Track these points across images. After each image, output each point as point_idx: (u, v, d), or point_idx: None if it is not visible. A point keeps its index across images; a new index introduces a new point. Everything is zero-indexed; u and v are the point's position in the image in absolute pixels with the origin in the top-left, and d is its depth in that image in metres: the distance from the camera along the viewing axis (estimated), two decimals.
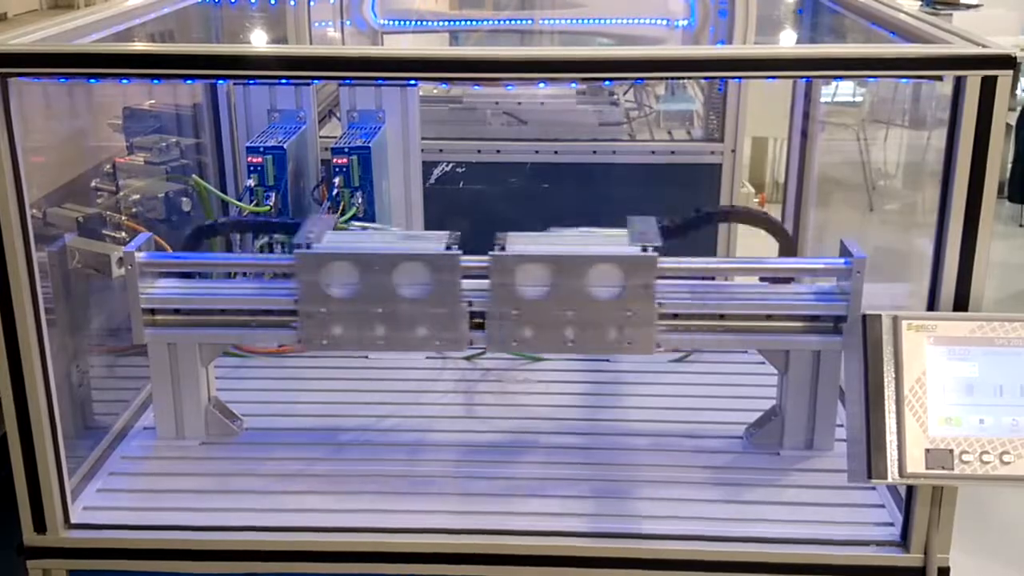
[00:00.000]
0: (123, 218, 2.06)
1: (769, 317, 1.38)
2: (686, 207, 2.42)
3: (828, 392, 1.42)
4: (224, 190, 1.92)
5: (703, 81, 2.54)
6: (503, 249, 1.32)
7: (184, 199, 2.02)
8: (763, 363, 1.54)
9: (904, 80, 1.04)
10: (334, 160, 1.75)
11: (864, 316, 0.99)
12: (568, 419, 1.53)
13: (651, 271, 1.30)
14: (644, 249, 1.32)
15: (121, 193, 2.06)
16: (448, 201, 2.08)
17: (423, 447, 1.45)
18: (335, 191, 1.74)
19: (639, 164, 2.39)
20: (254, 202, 1.75)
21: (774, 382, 1.47)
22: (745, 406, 1.53)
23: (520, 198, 2.30)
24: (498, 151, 2.32)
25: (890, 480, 1.00)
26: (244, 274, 1.64)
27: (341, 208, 1.75)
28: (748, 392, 1.57)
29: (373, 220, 1.78)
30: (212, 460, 1.43)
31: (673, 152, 2.39)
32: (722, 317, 1.37)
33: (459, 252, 1.33)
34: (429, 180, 2.17)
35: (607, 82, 2.27)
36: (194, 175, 1.80)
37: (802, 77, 1.72)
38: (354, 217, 1.76)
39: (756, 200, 3.30)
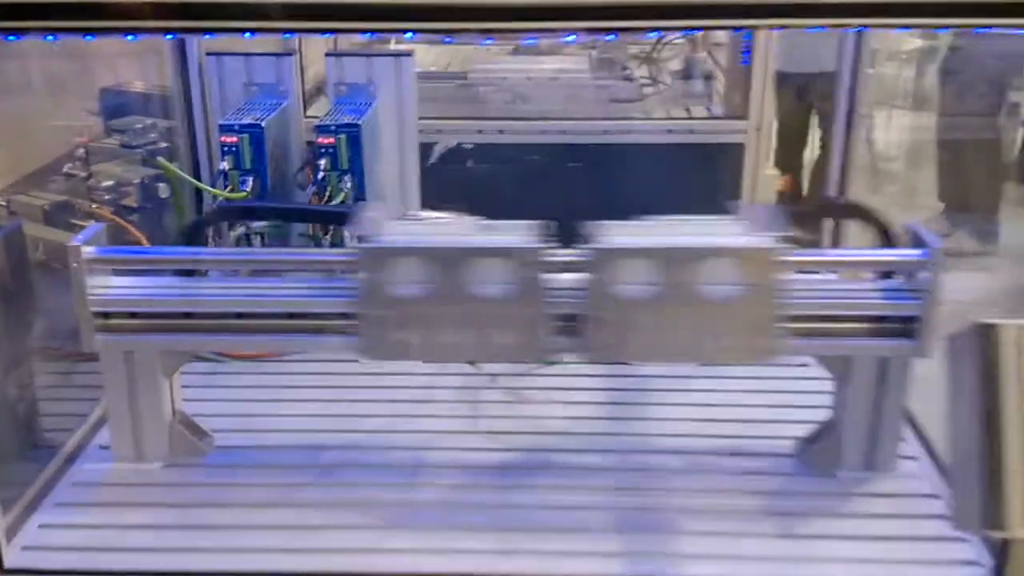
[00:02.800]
0: (94, 206, 1.86)
1: (829, 318, 1.19)
2: (706, 190, 2.25)
3: (893, 404, 1.22)
4: (198, 175, 1.71)
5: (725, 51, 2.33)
6: (590, 241, 1.13)
7: (161, 185, 1.81)
8: (805, 366, 1.37)
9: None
10: (319, 140, 1.54)
11: (982, 326, 0.79)
12: (590, 434, 1.32)
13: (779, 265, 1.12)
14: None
15: (92, 179, 1.86)
16: (449, 186, 1.87)
17: (423, 469, 1.25)
18: (320, 174, 1.53)
19: (655, 144, 2.18)
20: (228, 187, 1.54)
21: (823, 389, 1.28)
22: (791, 417, 1.33)
23: (527, 183, 2.09)
24: (501, 131, 2.11)
25: (1014, 533, 0.80)
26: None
27: (328, 194, 1.55)
28: (794, 400, 1.37)
29: None
30: (176, 487, 1.22)
31: (692, 131, 2.18)
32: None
33: (553, 245, 1.14)
34: (428, 161, 1.97)
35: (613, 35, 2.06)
36: (159, 157, 1.59)
37: (858, 27, 1.52)
38: (343, 203, 1.56)
39: (779, 183, 3.09)
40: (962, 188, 3.66)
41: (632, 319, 1.13)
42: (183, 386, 1.29)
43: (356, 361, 1.44)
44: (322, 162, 1.53)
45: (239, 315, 1.18)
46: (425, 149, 1.78)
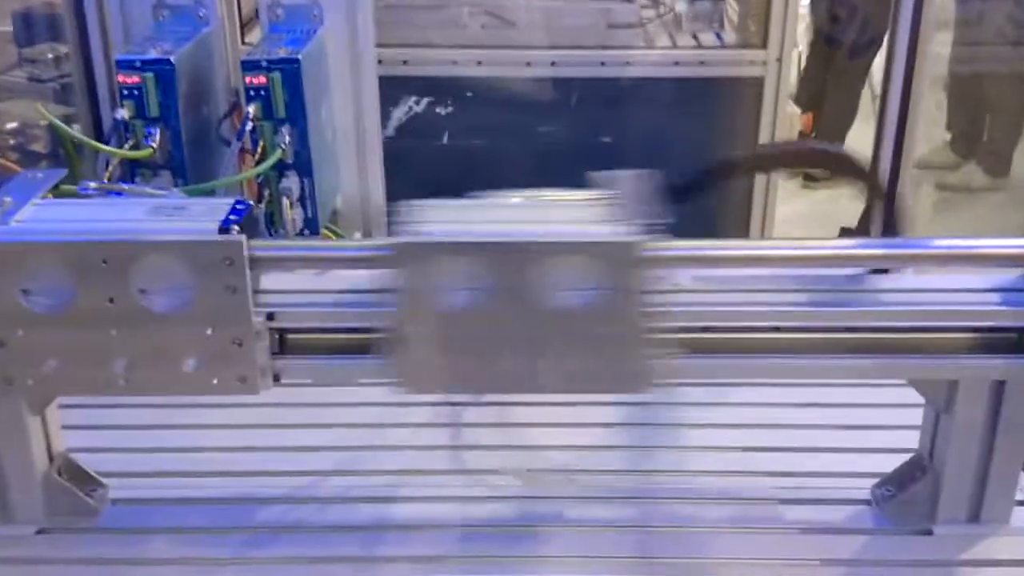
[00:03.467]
0: None
1: (922, 329, 0.89)
2: (718, 133, 1.93)
3: (1010, 439, 0.93)
4: (98, 124, 1.36)
5: None
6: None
7: (77, 125, 1.47)
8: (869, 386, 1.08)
9: None
10: (246, 79, 1.20)
11: None
12: (603, 474, 1.01)
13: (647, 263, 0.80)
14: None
15: None
16: (415, 133, 1.55)
17: (385, 530, 0.94)
18: (249, 124, 1.19)
19: (659, 79, 1.85)
20: (129, 143, 1.20)
21: (904, 418, 0.98)
22: (862, 448, 1.03)
23: (511, 126, 1.76)
24: (479, 62, 1.77)
25: None
26: None
27: (260, 150, 1.21)
28: (875, 431, 1.07)
29: (308, 167, 1.24)
30: (53, 565, 0.91)
31: (702, 62, 1.86)
32: (854, 330, 0.88)
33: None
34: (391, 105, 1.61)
35: None
36: (39, 104, 1.24)
37: None
38: (280, 164, 1.22)
39: (802, 122, 2.78)
40: (974, 119, 3.37)
41: (452, 339, 0.82)
42: (67, 421, 0.96)
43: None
44: (251, 108, 1.19)
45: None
46: (388, 86, 1.43)
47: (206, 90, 1.29)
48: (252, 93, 1.19)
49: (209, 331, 0.83)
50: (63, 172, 0.89)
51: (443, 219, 0.82)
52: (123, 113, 1.18)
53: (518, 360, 0.82)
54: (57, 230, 0.82)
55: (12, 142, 1.67)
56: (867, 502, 0.97)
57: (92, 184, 0.97)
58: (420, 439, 1.06)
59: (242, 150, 1.20)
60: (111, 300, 0.81)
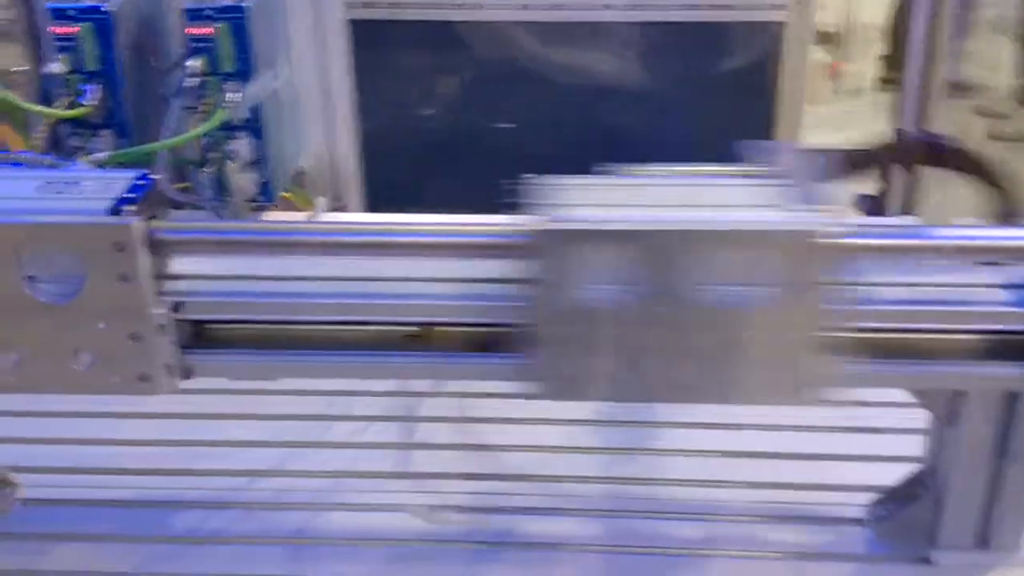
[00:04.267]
0: None
1: (924, 332, 0.77)
2: (735, 84, 1.79)
3: (1020, 456, 0.81)
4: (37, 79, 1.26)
5: None
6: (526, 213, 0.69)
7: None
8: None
9: None
10: (188, 29, 1.09)
11: None
12: (566, 481, 0.91)
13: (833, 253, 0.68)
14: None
15: None
16: (388, 90, 1.42)
17: (314, 543, 0.84)
18: (188, 81, 1.08)
19: (670, 24, 1.71)
20: (65, 100, 1.10)
21: (913, 420, 0.86)
22: (860, 455, 0.92)
23: (499, 83, 1.63)
24: (459, 5, 1.62)
25: None
26: None
27: (204, 107, 1.10)
28: (873, 442, 0.95)
29: (259, 131, 1.13)
30: None
31: (717, 5, 1.71)
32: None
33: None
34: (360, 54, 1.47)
35: None
36: None
37: None
38: (229, 124, 1.11)
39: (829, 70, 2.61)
40: None
41: (600, 340, 0.71)
42: None
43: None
44: (196, 63, 1.08)
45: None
46: (361, 33, 1.31)
47: (153, 42, 1.18)
48: (195, 45, 1.07)
49: (102, 325, 0.73)
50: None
51: (581, 200, 0.71)
52: (57, 67, 1.07)
53: (672, 365, 0.72)
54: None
55: None
56: (860, 522, 0.86)
57: None
58: (367, 436, 0.97)
59: (188, 108, 1.09)
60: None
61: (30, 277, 0.72)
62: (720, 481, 0.90)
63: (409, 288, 0.76)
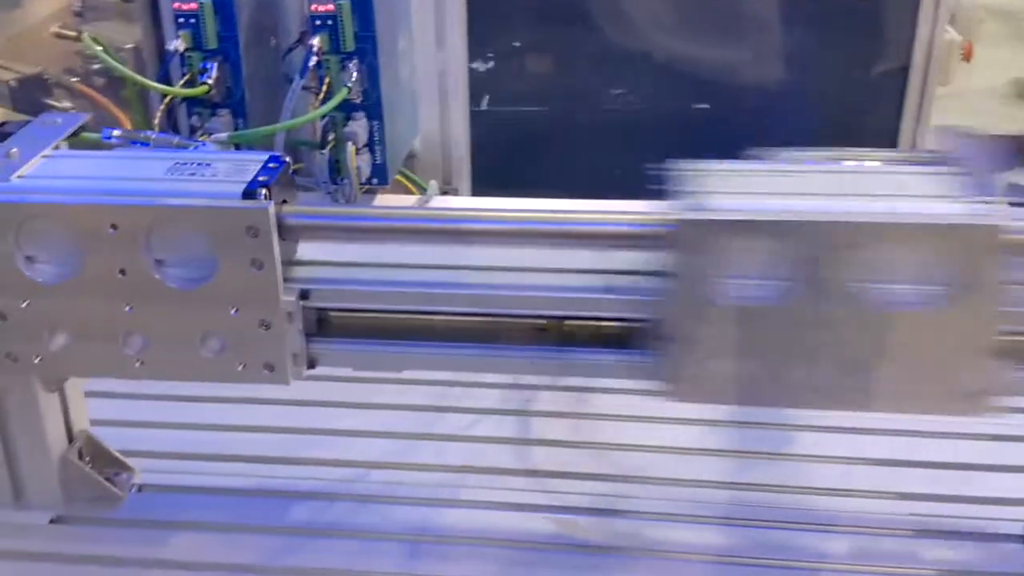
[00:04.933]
0: (75, 81, 1.42)
1: None
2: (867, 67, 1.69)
3: None
4: (164, 57, 1.24)
5: None
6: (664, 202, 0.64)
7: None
8: None
9: None
10: (311, 6, 1.06)
11: None
12: (692, 485, 0.86)
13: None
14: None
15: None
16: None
17: (430, 540, 0.82)
18: (312, 59, 1.06)
19: None
20: (185, 78, 1.08)
21: None
22: (1009, 476, 0.86)
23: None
24: None
25: None
26: None
27: (324, 89, 1.08)
28: (1011, 452, 0.88)
29: (377, 108, 1.10)
30: (61, 563, 0.81)
31: None
32: None
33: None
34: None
35: None
36: (85, 32, 1.13)
37: None
38: (347, 104, 1.08)
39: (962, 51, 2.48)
40: None
41: (741, 340, 0.66)
42: (93, 387, 0.86)
43: None
44: (315, 41, 1.05)
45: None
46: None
47: (273, 19, 1.16)
48: (318, 22, 1.05)
49: (232, 311, 0.70)
50: (84, 117, 0.77)
51: (724, 187, 0.66)
52: (178, 44, 1.06)
53: (824, 369, 0.67)
54: (63, 188, 0.71)
55: (95, 67, 1.54)
56: (1019, 538, 0.80)
57: (116, 132, 0.85)
58: (481, 429, 0.93)
59: (305, 88, 1.06)
60: (122, 271, 0.70)
61: (159, 261, 0.70)
62: (863, 491, 0.84)
63: (537, 279, 0.73)
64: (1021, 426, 0.89)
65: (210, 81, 1.06)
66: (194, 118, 1.09)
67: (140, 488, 0.86)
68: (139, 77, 1.06)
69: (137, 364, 0.73)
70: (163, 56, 1.16)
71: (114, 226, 0.69)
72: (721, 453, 0.90)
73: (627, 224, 0.68)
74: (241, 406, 0.95)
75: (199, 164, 0.72)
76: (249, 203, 0.67)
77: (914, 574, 0.78)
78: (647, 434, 0.91)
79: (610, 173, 1.30)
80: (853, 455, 0.88)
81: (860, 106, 1.65)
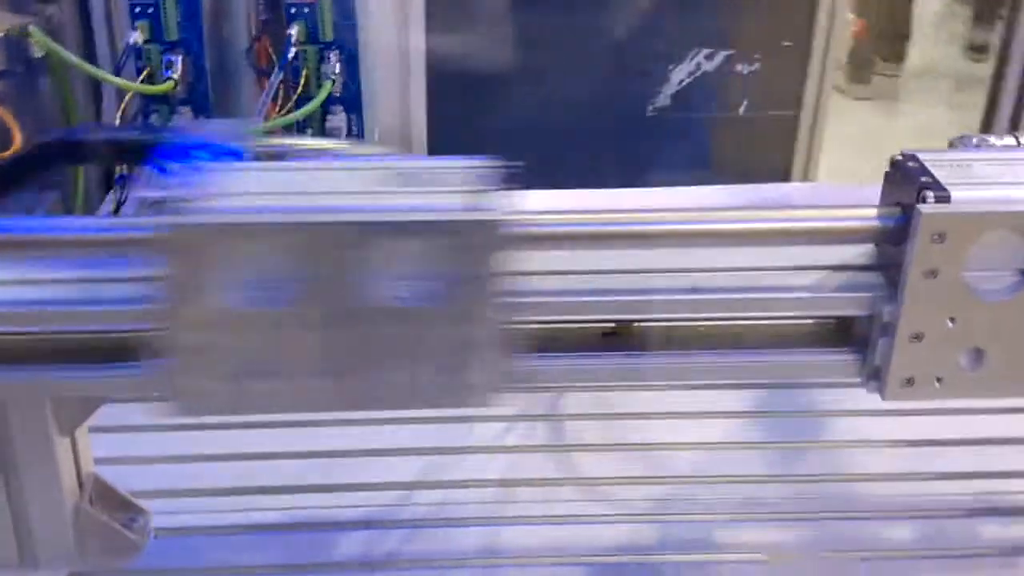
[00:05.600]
0: None
1: None
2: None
3: None
4: (90, 51, 1.13)
5: None
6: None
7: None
8: None
9: None
10: None
11: None
12: (745, 482, 0.84)
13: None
14: None
15: None
16: None
17: (503, 562, 0.77)
18: (290, 51, 0.98)
19: None
20: (144, 73, 0.99)
21: None
22: None
23: None
24: None
25: None
26: None
27: (301, 84, 1.00)
28: None
29: (357, 100, 1.03)
30: None
31: None
32: None
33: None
34: None
35: None
36: (31, 26, 1.01)
37: None
38: (328, 102, 1.01)
39: (853, 30, 2.56)
40: None
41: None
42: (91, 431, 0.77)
43: None
44: (293, 31, 0.98)
45: None
46: None
47: (227, 8, 1.07)
48: (294, 10, 0.97)
49: (449, 329, 0.62)
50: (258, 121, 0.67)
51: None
52: (136, 37, 0.96)
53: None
54: (280, 207, 0.58)
55: None
56: None
57: (288, 140, 0.75)
58: (515, 437, 0.89)
59: (280, 83, 0.98)
60: (332, 292, 0.59)
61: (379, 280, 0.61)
62: (911, 473, 0.84)
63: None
64: None
65: (175, 76, 0.96)
66: (153, 116, 0.99)
67: (157, 533, 0.78)
68: (102, 72, 0.95)
69: (330, 397, 0.64)
70: (90, 50, 1.06)
71: (336, 245, 0.59)
72: (760, 446, 0.89)
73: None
74: (247, 432, 0.88)
75: (402, 171, 0.63)
76: (488, 213, 0.59)
77: (977, 554, 0.78)
78: (678, 432, 0.89)
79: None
80: (891, 438, 0.88)
81: None
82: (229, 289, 0.58)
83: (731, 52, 1.68)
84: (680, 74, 1.67)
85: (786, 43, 1.70)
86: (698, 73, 1.67)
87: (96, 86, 1.12)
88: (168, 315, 0.59)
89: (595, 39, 1.51)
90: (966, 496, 0.82)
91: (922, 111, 3.26)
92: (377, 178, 0.62)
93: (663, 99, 1.66)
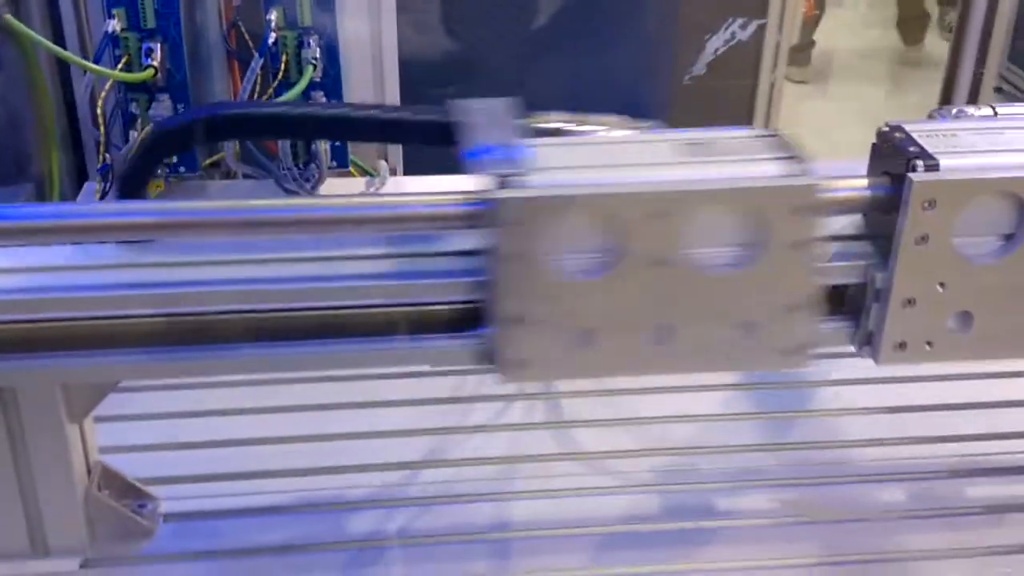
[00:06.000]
0: None
1: None
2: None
3: None
4: (60, 37, 1.11)
5: None
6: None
7: None
8: None
9: None
10: None
11: None
12: (741, 451, 0.87)
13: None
14: None
15: None
16: None
17: (515, 537, 0.78)
18: (270, 37, 0.98)
19: None
20: (122, 61, 0.97)
21: None
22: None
23: None
24: None
25: None
26: None
27: (281, 70, 1.00)
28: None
29: (337, 85, 1.04)
30: None
31: None
32: None
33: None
34: None
35: None
36: (5, 14, 0.99)
37: None
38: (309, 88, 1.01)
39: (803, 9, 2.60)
40: None
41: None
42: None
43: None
44: (272, 16, 0.97)
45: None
46: None
47: None
48: None
49: (766, 295, 0.64)
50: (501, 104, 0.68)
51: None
52: (113, 25, 0.95)
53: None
54: (590, 181, 0.61)
55: None
56: None
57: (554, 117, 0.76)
58: (514, 416, 0.90)
59: (258, 73, 0.98)
60: (658, 262, 0.62)
61: (698, 248, 0.62)
62: (902, 438, 0.87)
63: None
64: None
65: (155, 64, 0.95)
66: (133, 105, 0.98)
67: (166, 518, 0.78)
68: (82, 60, 0.94)
69: (657, 357, 0.66)
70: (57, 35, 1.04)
71: (653, 214, 0.61)
72: (751, 417, 0.91)
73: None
74: (247, 417, 0.88)
75: (695, 143, 0.65)
76: (802, 180, 0.61)
77: (964, 512, 0.82)
78: (672, 404, 0.91)
79: None
80: (874, 405, 0.91)
81: None
82: (564, 258, 0.61)
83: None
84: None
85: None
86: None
87: (64, 74, 1.10)
88: (501, 286, 0.61)
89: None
90: (950, 458, 0.86)
91: (857, 93, 3.33)
92: (675, 149, 0.64)
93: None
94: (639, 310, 0.64)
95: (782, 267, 0.64)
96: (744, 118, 1.80)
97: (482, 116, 0.66)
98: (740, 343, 0.66)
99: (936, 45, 3.58)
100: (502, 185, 0.60)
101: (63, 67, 1.09)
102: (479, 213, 0.61)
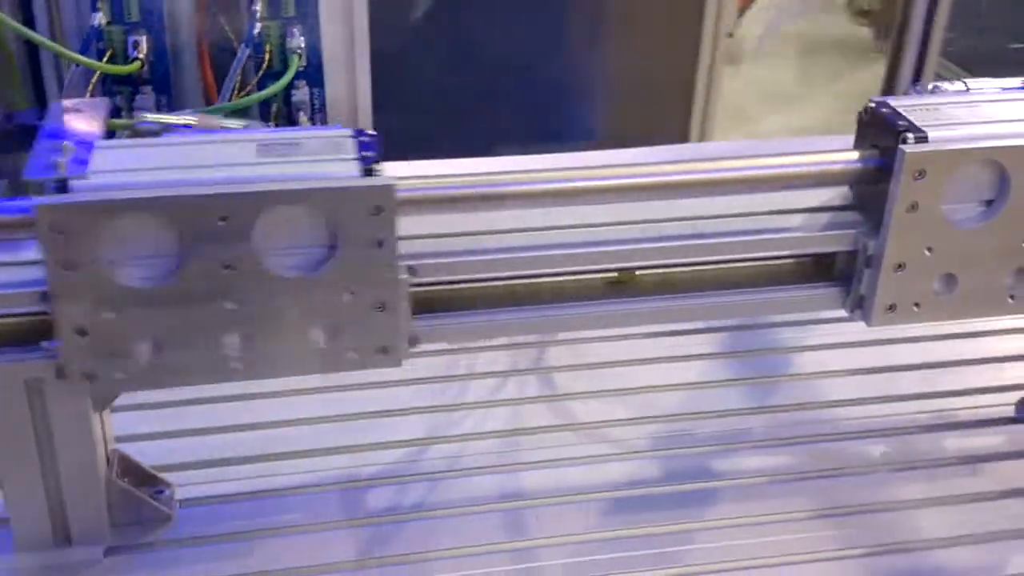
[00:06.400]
0: None
1: None
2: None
3: None
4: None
5: None
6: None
7: None
8: None
9: None
10: None
11: None
12: (729, 415, 0.91)
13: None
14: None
15: None
16: None
17: (524, 505, 0.81)
18: (256, 27, 0.99)
19: None
20: (108, 54, 0.98)
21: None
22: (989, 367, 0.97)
23: None
24: None
25: None
26: None
27: (266, 60, 1.01)
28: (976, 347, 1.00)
29: (319, 75, 1.05)
30: None
31: None
32: None
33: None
34: None
35: None
36: None
37: None
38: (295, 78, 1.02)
39: None
40: None
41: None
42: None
43: None
44: (257, 6, 0.99)
45: None
46: None
47: None
48: None
49: (347, 296, 0.66)
50: (107, 101, 0.68)
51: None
52: (100, 18, 0.95)
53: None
54: (157, 182, 0.62)
55: None
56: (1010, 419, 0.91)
57: (149, 116, 0.76)
58: (508, 391, 0.93)
59: (249, 56, 0.99)
60: (227, 266, 0.64)
61: (269, 251, 0.64)
62: (874, 397, 0.92)
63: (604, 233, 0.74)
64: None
65: (141, 56, 0.96)
66: (118, 97, 0.99)
67: (182, 503, 0.80)
68: (70, 52, 0.94)
69: (236, 365, 0.67)
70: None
71: (223, 217, 0.63)
72: (737, 383, 0.95)
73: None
74: (244, 403, 0.89)
75: (286, 144, 0.67)
76: (373, 180, 0.64)
77: (941, 464, 0.87)
78: (664, 374, 0.95)
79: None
80: (852, 367, 0.96)
81: None
82: (113, 266, 0.61)
83: None
84: None
85: None
86: None
87: (36, 65, 1.10)
88: (55, 295, 0.61)
89: None
90: (925, 413, 0.91)
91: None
92: (251, 150, 0.65)
93: None
94: (205, 317, 0.65)
95: (360, 268, 0.65)
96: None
97: (71, 117, 0.67)
98: (325, 345, 0.67)
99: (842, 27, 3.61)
100: (58, 190, 0.60)
101: (35, 63, 1.09)
102: (28, 220, 0.60)
